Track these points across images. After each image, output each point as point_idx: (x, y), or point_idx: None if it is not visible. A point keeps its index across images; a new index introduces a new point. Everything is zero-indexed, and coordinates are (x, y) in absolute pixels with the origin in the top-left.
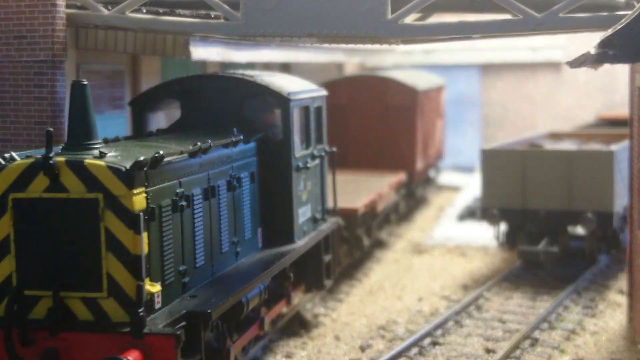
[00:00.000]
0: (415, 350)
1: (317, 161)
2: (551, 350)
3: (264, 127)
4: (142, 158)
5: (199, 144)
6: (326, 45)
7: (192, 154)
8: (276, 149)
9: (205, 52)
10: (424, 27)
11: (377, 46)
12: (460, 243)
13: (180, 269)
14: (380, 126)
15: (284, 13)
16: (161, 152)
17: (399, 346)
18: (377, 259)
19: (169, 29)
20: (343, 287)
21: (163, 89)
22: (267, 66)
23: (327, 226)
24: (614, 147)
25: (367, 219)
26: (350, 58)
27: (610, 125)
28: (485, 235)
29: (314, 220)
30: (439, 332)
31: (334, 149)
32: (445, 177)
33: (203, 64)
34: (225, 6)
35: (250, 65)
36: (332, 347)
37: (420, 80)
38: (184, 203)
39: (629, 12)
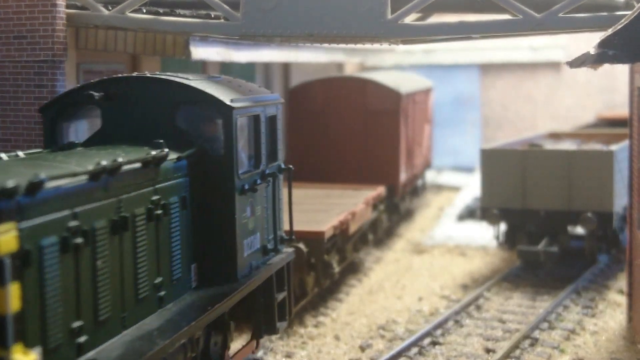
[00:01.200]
0: (415, 350)
1: (268, 181)
2: (551, 350)
3: (201, 140)
4: (10, 183)
5: (104, 162)
6: (326, 45)
7: (93, 176)
8: (216, 168)
9: (205, 52)
10: (424, 27)
11: (377, 46)
12: (460, 243)
13: (74, 326)
14: (360, 134)
15: (284, 13)
16: (42, 175)
17: (399, 346)
18: (377, 259)
19: (169, 29)
20: (343, 287)
21: (79, 94)
22: (267, 66)
23: (281, 258)
24: (613, 147)
25: (338, 241)
26: (350, 58)
27: (610, 125)
28: (485, 235)
29: (265, 252)
30: (438, 332)
31: (291, 167)
32: (446, 177)
33: (203, 64)
34: (225, 6)
35: (250, 65)
36: (332, 347)
37: (405, 82)
38: (79, 240)
39: (629, 13)
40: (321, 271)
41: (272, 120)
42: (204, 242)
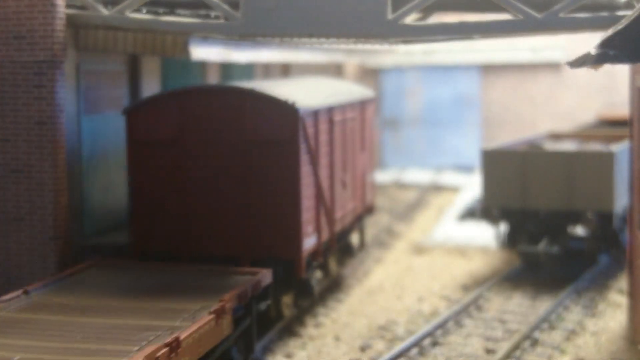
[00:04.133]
0: (415, 350)
1: None
2: (551, 350)
3: None
4: None
5: None
6: (326, 45)
7: None
8: None
9: (205, 52)
10: (424, 27)
11: (377, 46)
12: (460, 243)
13: None
14: (235, 177)
15: (284, 13)
16: None
17: (399, 346)
18: (377, 259)
19: (168, 29)
20: (343, 287)
21: None
22: (267, 66)
23: None
24: (614, 147)
25: None
26: (350, 58)
27: (610, 125)
28: (485, 235)
29: None
30: (439, 332)
31: None
32: (446, 178)
33: (203, 64)
34: (225, 6)
35: (250, 66)
36: (332, 347)
37: (318, 94)
38: None
39: (629, 13)
40: None
41: None
42: None
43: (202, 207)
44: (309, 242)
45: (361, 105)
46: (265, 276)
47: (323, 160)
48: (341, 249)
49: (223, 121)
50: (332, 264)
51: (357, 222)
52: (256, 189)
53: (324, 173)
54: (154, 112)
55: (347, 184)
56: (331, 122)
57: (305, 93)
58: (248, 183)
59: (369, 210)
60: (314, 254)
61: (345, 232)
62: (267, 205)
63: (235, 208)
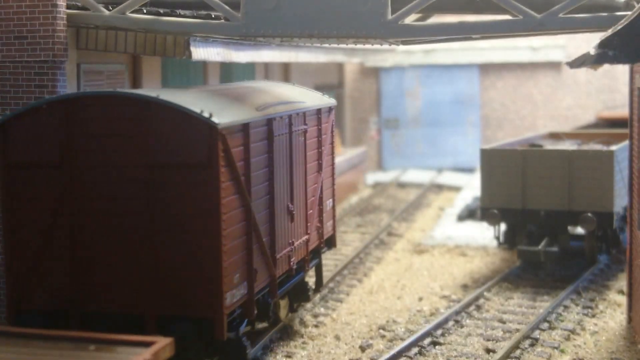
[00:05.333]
0: (415, 350)
1: None
2: (551, 350)
3: None
4: None
5: None
6: (326, 45)
7: None
8: None
9: (205, 53)
10: (424, 27)
11: (377, 46)
12: (460, 243)
13: None
14: (138, 210)
15: (284, 13)
16: None
17: (399, 346)
18: (377, 259)
19: (169, 29)
20: (343, 287)
21: None
22: (267, 66)
23: None
24: (614, 147)
25: None
26: (350, 58)
27: (610, 125)
28: (485, 235)
29: None
30: (439, 332)
31: None
32: (446, 177)
33: (203, 64)
34: (226, 6)
35: (250, 65)
36: (332, 346)
37: (254, 103)
38: None
39: (629, 13)
40: None
41: None
42: None
43: (96, 249)
44: (236, 295)
45: (317, 115)
46: (164, 350)
47: (258, 187)
48: (294, 291)
49: (122, 139)
50: (282, 310)
51: (313, 258)
52: (164, 227)
53: (259, 203)
54: (34, 126)
55: (297, 214)
56: (270, 137)
57: (234, 102)
58: (154, 219)
59: (328, 242)
60: (245, 307)
61: (297, 272)
62: (178, 248)
63: (137, 251)
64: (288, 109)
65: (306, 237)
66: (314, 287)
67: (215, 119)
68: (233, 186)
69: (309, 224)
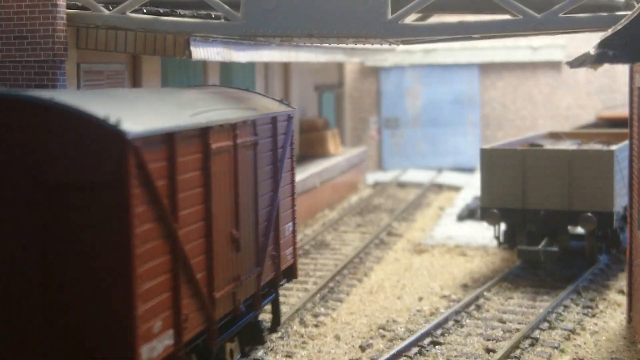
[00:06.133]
0: (415, 349)
1: None
2: (551, 350)
3: None
4: None
5: None
6: (326, 45)
7: None
8: None
9: (205, 52)
10: (424, 27)
11: (377, 46)
12: (460, 243)
13: None
14: (31, 243)
15: (284, 13)
16: None
17: (399, 346)
18: (377, 259)
19: (169, 29)
20: (343, 287)
21: None
22: (267, 66)
23: None
24: (614, 147)
25: None
26: (350, 58)
27: (610, 125)
28: (485, 235)
29: None
30: (439, 331)
31: None
32: (446, 177)
33: (203, 63)
34: (226, 6)
35: (250, 65)
36: (332, 346)
37: (184, 109)
38: None
39: (629, 13)
40: None
41: None
42: None
43: None
44: (157, 347)
45: (271, 124)
46: None
47: (189, 211)
48: (245, 332)
49: (9, 152)
50: (232, 354)
51: (269, 292)
52: (63, 264)
53: (191, 231)
54: None
55: (244, 242)
56: (206, 150)
57: (161, 108)
58: (50, 253)
59: (288, 273)
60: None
61: (247, 310)
62: (81, 291)
63: (31, 295)
64: (231, 117)
65: (257, 269)
66: (269, 325)
67: (125, 127)
68: (151, 211)
69: (261, 254)
